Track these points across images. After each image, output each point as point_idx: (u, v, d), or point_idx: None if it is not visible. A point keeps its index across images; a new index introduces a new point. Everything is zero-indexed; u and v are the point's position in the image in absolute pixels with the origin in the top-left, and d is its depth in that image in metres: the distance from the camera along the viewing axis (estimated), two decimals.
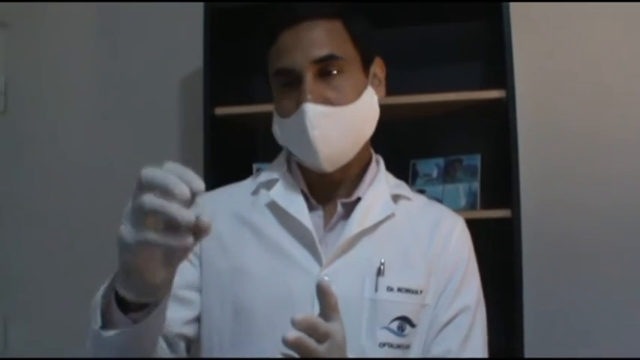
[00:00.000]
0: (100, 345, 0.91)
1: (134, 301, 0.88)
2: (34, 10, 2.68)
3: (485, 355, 1.23)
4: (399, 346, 1.15)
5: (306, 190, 1.23)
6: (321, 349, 0.88)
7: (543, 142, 2.31)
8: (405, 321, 1.16)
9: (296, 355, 0.87)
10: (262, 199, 1.24)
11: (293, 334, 0.85)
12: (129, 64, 2.63)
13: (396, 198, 1.25)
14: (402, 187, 1.30)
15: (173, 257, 0.85)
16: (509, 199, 2.01)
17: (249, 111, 2.16)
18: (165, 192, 0.77)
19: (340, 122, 1.15)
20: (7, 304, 2.64)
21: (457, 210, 2.07)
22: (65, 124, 2.67)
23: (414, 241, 1.21)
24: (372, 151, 1.30)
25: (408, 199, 1.27)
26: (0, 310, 2.64)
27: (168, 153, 2.57)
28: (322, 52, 1.14)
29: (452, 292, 1.20)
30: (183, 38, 2.49)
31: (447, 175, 2.21)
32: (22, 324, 2.62)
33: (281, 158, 1.30)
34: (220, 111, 2.17)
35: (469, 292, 1.22)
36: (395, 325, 1.15)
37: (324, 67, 1.14)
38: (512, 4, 2.04)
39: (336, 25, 1.17)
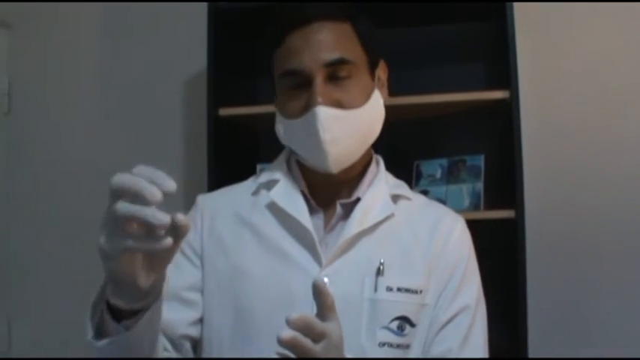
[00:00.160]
0: (95, 354, 0.91)
1: (126, 308, 0.88)
2: (37, 10, 2.69)
3: (486, 355, 1.22)
4: (398, 346, 1.15)
5: (306, 190, 1.23)
6: (317, 348, 0.87)
7: (547, 143, 2.31)
8: (404, 321, 1.16)
9: (292, 355, 0.86)
10: (262, 200, 1.24)
11: (288, 333, 0.84)
12: (132, 64, 2.63)
13: (395, 198, 1.25)
14: (402, 187, 1.30)
15: (156, 261, 0.85)
16: (513, 200, 2.01)
17: (253, 112, 2.16)
18: (137, 196, 0.77)
19: (350, 125, 1.15)
20: (10, 305, 2.65)
21: (461, 211, 2.08)
22: (69, 125, 2.67)
23: (414, 240, 1.21)
24: (372, 151, 1.30)
25: (408, 199, 1.27)
26: (4, 310, 2.64)
27: (172, 154, 2.58)
28: (333, 55, 1.14)
29: (452, 292, 1.20)
30: (187, 39, 2.49)
31: (451, 175, 2.20)
32: (25, 324, 2.63)
33: (281, 159, 1.30)
34: (224, 112, 2.18)
35: (469, 291, 1.22)
36: (395, 324, 1.15)
37: (334, 71, 1.14)
38: (516, 5, 2.04)
39: (345, 28, 1.17)
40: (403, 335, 1.15)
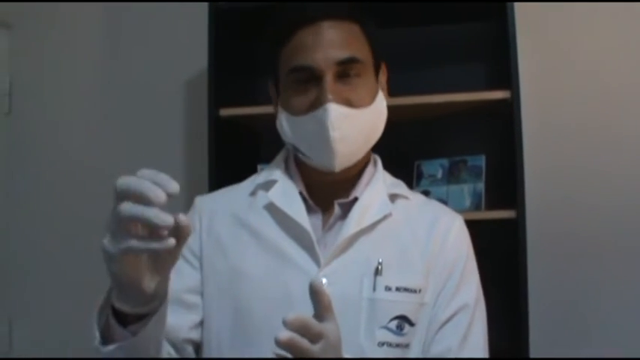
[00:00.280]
0: (100, 356, 0.91)
1: (131, 312, 0.89)
2: (37, 10, 2.69)
3: (486, 354, 1.22)
4: (397, 345, 1.15)
5: (304, 191, 1.23)
6: (315, 349, 0.87)
7: (548, 143, 2.31)
8: (403, 320, 1.16)
9: (289, 356, 0.86)
10: (260, 201, 1.24)
11: (285, 334, 0.84)
12: (133, 64, 2.63)
13: (393, 197, 1.25)
14: (400, 187, 1.30)
15: (160, 263, 0.86)
16: (513, 200, 2.01)
17: (254, 112, 2.16)
18: (141, 198, 0.77)
19: (357, 124, 1.16)
20: (11, 305, 2.65)
21: (462, 211, 2.08)
22: (69, 125, 2.67)
23: (412, 240, 1.21)
24: (370, 150, 1.30)
25: (406, 198, 1.27)
26: (4, 310, 2.64)
27: (173, 154, 2.58)
28: (344, 54, 1.14)
29: (451, 290, 1.20)
30: (187, 39, 2.49)
31: (452, 175, 2.20)
32: (26, 324, 2.63)
33: (279, 159, 1.30)
34: (225, 112, 2.18)
35: (468, 290, 1.22)
36: (394, 324, 1.15)
37: (345, 69, 1.15)
38: (516, 5, 2.04)
39: (354, 28, 1.18)
40: (402, 335, 1.15)
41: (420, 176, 2.25)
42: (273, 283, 1.16)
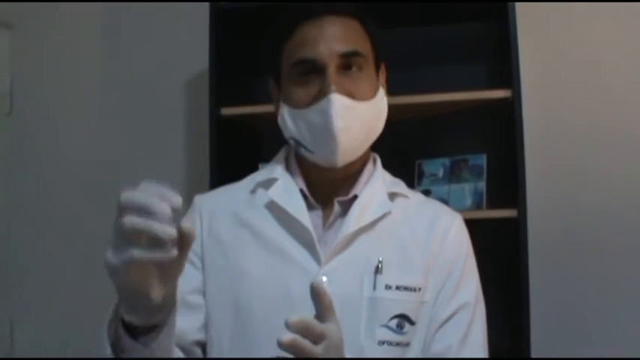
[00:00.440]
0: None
1: (141, 324, 0.88)
2: (38, 10, 2.69)
3: (486, 352, 1.22)
4: (398, 344, 1.15)
5: (305, 188, 1.23)
6: (317, 350, 0.87)
7: (549, 142, 2.31)
8: (403, 319, 1.16)
9: (292, 356, 0.86)
10: (261, 199, 1.24)
11: (288, 336, 0.84)
12: (134, 64, 2.63)
13: (392, 196, 1.25)
14: (399, 185, 1.30)
15: (166, 272, 0.85)
16: (515, 199, 2.01)
17: (255, 111, 2.16)
18: (146, 211, 0.77)
19: (359, 116, 1.16)
20: (12, 306, 2.65)
21: (463, 210, 2.08)
22: (70, 125, 2.67)
23: (412, 238, 1.21)
24: (370, 149, 1.30)
25: (405, 196, 1.28)
26: (6, 311, 2.64)
27: (174, 153, 2.58)
28: (348, 47, 1.15)
29: (451, 289, 1.20)
30: (188, 39, 2.49)
31: (453, 175, 2.20)
32: (27, 325, 2.63)
33: (279, 157, 1.30)
34: (226, 111, 2.18)
35: (468, 288, 1.22)
36: (394, 322, 1.15)
37: (347, 62, 1.16)
38: (517, 4, 2.04)
39: (356, 25, 1.19)
40: (402, 333, 1.15)
41: (421, 175, 2.25)
42: (274, 281, 1.16)
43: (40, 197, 2.67)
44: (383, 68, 1.27)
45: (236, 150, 2.27)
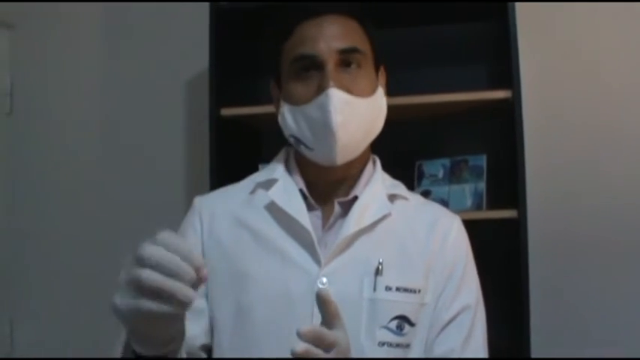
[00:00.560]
0: None
1: (152, 355, 0.89)
2: (39, 10, 2.69)
3: (486, 354, 1.23)
4: (398, 345, 1.15)
5: (304, 189, 1.23)
6: (329, 357, 0.90)
7: (549, 143, 2.31)
8: (403, 320, 1.16)
9: None
10: (261, 200, 1.24)
11: (301, 345, 0.86)
12: (134, 64, 2.63)
13: (392, 197, 1.26)
14: (399, 187, 1.30)
15: (170, 318, 0.85)
16: (515, 200, 2.01)
17: (255, 112, 2.16)
18: (169, 273, 0.78)
19: (358, 112, 1.16)
20: (13, 306, 2.65)
21: (463, 211, 2.08)
22: (70, 125, 2.68)
23: (412, 240, 1.22)
24: (370, 151, 1.30)
25: (405, 198, 1.28)
26: (6, 311, 2.64)
27: (174, 154, 2.58)
28: (346, 43, 1.16)
29: (452, 292, 1.20)
30: (189, 39, 2.49)
31: (453, 175, 2.20)
32: (27, 325, 2.63)
33: (279, 158, 1.30)
34: (226, 112, 2.18)
35: (469, 291, 1.22)
36: (394, 324, 1.15)
37: (346, 59, 1.16)
38: (518, 5, 2.04)
39: (354, 24, 1.20)
40: (402, 335, 1.16)
41: (421, 176, 2.25)
42: (274, 282, 1.16)
43: (40, 197, 2.67)
44: (382, 70, 1.27)
45: (236, 150, 2.27)
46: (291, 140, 1.23)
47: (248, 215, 1.23)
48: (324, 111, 1.13)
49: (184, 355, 1.06)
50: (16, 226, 2.67)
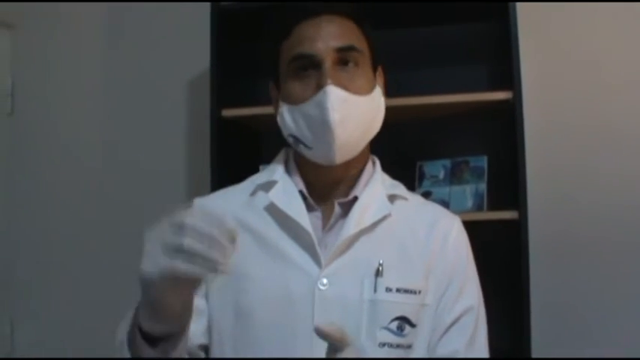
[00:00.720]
0: None
1: (161, 333, 0.92)
2: (40, 10, 2.69)
3: (488, 355, 1.23)
4: (398, 346, 1.15)
5: (304, 189, 1.23)
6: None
7: (550, 144, 2.31)
8: (404, 321, 1.16)
9: None
10: (261, 202, 1.24)
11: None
12: (135, 65, 2.63)
13: (392, 198, 1.26)
14: (399, 188, 1.30)
15: (192, 284, 0.90)
16: (516, 201, 2.01)
17: (256, 112, 2.16)
18: (209, 242, 0.83)
19: (356, 110, 1.16)
20: (13, 306, 2.65)
21: (464, 211, 2.08)
22: (71, 126, 2.68)
23: (412, 240, 1.21)
24: (369, 151, 1.30)
25: (405, 199, 1.28)
26: (6, 311, 2.64)
27: (175, 154, 2.58)
28: (344, 42, 1.17)
29: (454, 293, 1.20)
30: (190, 40, 2.49)
31: (454, 176, 2.20)
32: (27, 325, 2.63)
33: (279, 159, 1.30)
34: (227, 113, 2.18)
35: (471, 292, 1.22)
36: (394, 325, 1.15)
37: (344, 57, 1.16)
38: (518, 5, 2.04)
39: (352, 24, 1.20)
40: (403, 335, 1.15)
41: (422, 177, 2.25)
42: (275, 284, 1.16)
43: (41, 198, 2.67)
44: (380, 70, 1.27)
45: (237, 151, 2.27)
46: (290, 140, 1.23)
47: (248, 217, 1.23)
48: (322, 108, 1.13)
49: (185, 355, 1.06)
50: (17, 226, 2.68)
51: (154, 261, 0.84)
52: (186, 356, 1.07)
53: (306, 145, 1.19)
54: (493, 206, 2.14)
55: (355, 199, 1.22)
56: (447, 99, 2.08)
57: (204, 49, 2.20)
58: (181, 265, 0.82)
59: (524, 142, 2.00)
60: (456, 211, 1.33)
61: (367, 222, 1.19)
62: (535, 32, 2.28)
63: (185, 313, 0.93)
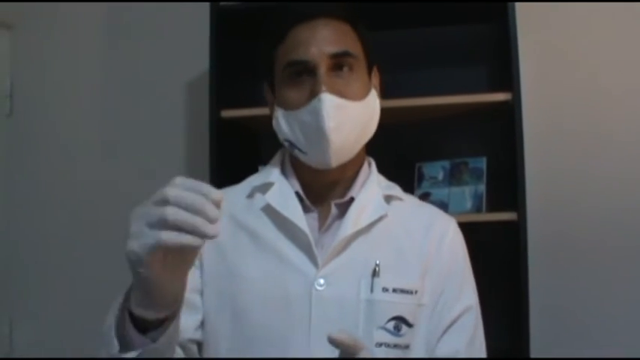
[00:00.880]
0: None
1: (152, 318, 0.90)
2: (39, 11, 2.69)
3: (486, 354, 1.23)
4: (395, 346, 1.15)
5: (300, 191, 1.24)
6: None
7: (549, 145, 2.31)
8: (400, 321, 1.16)
9: None
10: (257, 203, 1.24)
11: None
12: (135, 66, 2.63)
13: (388, 199, 1.26)
14: (394, 189, 1.31)
15: (183, 263, 0.87)
16: (515, 202, 2.01)
17: (255, 113, 2.16)
18: (193, 210, 0.81)
19: (351, 116, 1.16)
20: (12, 306, 2.65)
21: (463, 213, 2.08)
22: (71, 127, 2.68)
23: (408, 241, 1.22)
24: (365, 153, 1.30)
25: (400, 199, 1.28)
26: (5, 311, 2.64)
27: (174, 155, 2.58)
28: (338, 47, 1.16)
29: (453, 293, 1.21)
30: (189, 40, 2.49)
31: (453, 177, 2.21)
32: (27, 325, 2.63)
33: (275, 161, 1.30)
34: (226, 113, 2.18)
35: (469, 292, 1.23)
36: (391, 325, 1.15)
37: (338, 62, 1.16)
38: (517, 6, 2.04)
39: (347, 28, 1.20)
40: (400, 335, 1.16)
41: (421, 178, 2.25)
42: (272, 284, 1.17)
43: (40, 198, 2.67)
44: (375, 71, 1.27)
45: (236, 152, 2.27)
46: (286, 144, 1.23)
47: (246, 217, 1.23)
48: (317, 116, 1.13)
49: (176, 345, 1.06)
50: (16, 226, 2.68)
51: (140, 238, 0.81)
52: (177, 347, 1.07)
53: (301, 150, 1.20)
54: (492, 207, 2.15)
55: (352, 200, 1.22)
56: (446, 100, 2.08)
57: (204, 50, 2.20)
58: (168, 237, 0.80)
59: (524, 143, 2.00)
60: (454, 213, 1.33)
61: (364, 222, 1.20)
62: (534, 33, 2.29)
63: (177, 297, 0.90)
